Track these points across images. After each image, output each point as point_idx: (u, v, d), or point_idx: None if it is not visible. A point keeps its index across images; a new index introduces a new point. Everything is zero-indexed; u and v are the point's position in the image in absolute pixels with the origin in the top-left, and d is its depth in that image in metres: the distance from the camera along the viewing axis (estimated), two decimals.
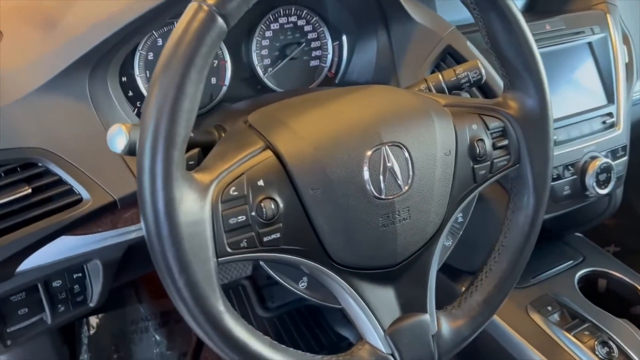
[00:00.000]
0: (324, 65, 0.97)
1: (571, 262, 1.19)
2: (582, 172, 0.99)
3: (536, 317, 1.04)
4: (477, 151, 0.63)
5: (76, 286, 0.76)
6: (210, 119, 0.80)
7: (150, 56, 0.83)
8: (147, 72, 0.83)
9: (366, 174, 0.56)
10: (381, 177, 0.57)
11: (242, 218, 0.51)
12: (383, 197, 0.57)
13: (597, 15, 1.10)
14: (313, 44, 0.96)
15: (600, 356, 0.94)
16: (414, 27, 0.92)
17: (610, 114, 1.05)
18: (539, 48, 0.99)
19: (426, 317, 0.62)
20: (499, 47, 0.65)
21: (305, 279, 0.61)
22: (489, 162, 0.65)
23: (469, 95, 0.74)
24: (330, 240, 0.56)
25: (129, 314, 1.44)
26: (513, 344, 1.01)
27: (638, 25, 1.19)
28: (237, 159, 0.53)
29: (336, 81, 0.99)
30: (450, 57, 0.93)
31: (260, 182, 0.52)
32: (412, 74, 0.90)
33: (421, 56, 0.93)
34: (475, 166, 0.64)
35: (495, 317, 1.06)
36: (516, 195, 0.69)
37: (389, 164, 0.57)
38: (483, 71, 0.75)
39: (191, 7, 0.46)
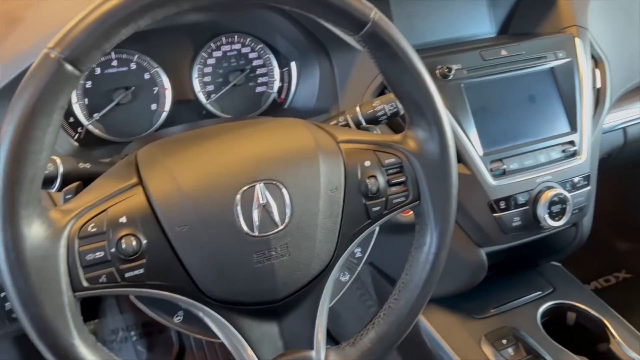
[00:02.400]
0: (270, 91, 0.98)
1: (539, 293, 1.14)
2: (534, 202, 0.96)
3: (488, 350, 1.01)
4: (369, 188, 0.63)
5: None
6: (139, 145, 0.82)
7: (89, 84, 0.86)
8: (86, 99, 0.86)
9: (238, 211, 0.57)
10: (255, 215, 0.57)
11: (100, 254, 0.53)
12: (256, 234, 0.57)
13: (564, 39, 1.06)
14: (259, 71, 0.97)
15: None
16: (356, 55, 0.92)
17: (571, 142, 1.01)
18: (494, 74, 1.00)
19: (311, 353, 0.62)
20: (393, 85, 0.63)
21: (181, 312, 0.62)
22: (383, 199, 0.64)
23: (379, 130, 0.73)
24: (201, 276, 0.57)
25: (110, 324, 1.49)
26: None
27: (615, 48, 1.14)
28: (104, 195, 0.55)
29: (285, 106, 1.00)
30: None
31: (123, 219, 0.54)
32: (354, 103, 0.89)
33: (363, 84, 0.93)
34: (368, 203, 0.63)
35: (447, 347, 1.04)
36: (419, 232, 0.67)
37: (262, 201, 0.58)
38: (400, 104, 0.74)
39: (41, 54, 0.49)
